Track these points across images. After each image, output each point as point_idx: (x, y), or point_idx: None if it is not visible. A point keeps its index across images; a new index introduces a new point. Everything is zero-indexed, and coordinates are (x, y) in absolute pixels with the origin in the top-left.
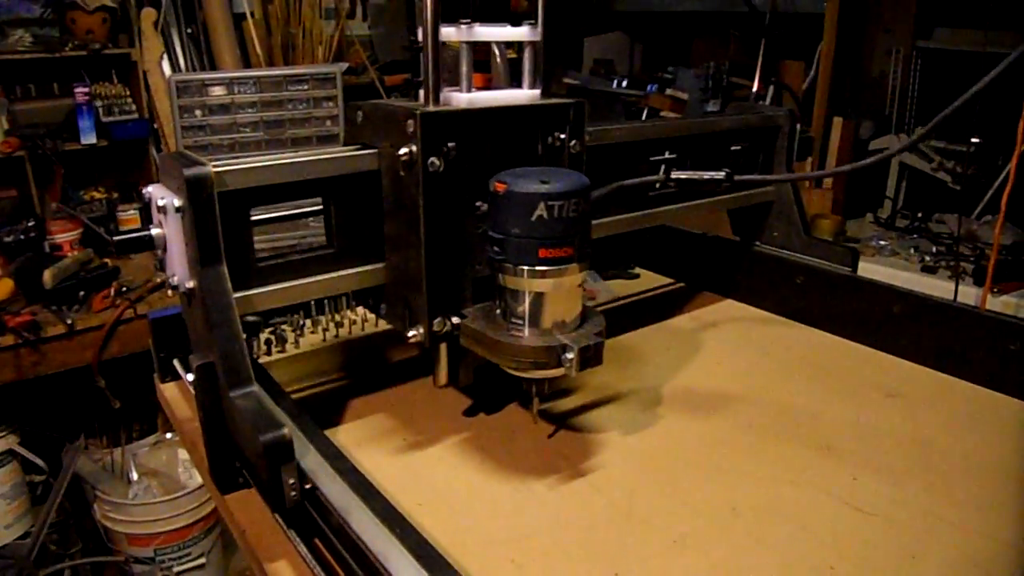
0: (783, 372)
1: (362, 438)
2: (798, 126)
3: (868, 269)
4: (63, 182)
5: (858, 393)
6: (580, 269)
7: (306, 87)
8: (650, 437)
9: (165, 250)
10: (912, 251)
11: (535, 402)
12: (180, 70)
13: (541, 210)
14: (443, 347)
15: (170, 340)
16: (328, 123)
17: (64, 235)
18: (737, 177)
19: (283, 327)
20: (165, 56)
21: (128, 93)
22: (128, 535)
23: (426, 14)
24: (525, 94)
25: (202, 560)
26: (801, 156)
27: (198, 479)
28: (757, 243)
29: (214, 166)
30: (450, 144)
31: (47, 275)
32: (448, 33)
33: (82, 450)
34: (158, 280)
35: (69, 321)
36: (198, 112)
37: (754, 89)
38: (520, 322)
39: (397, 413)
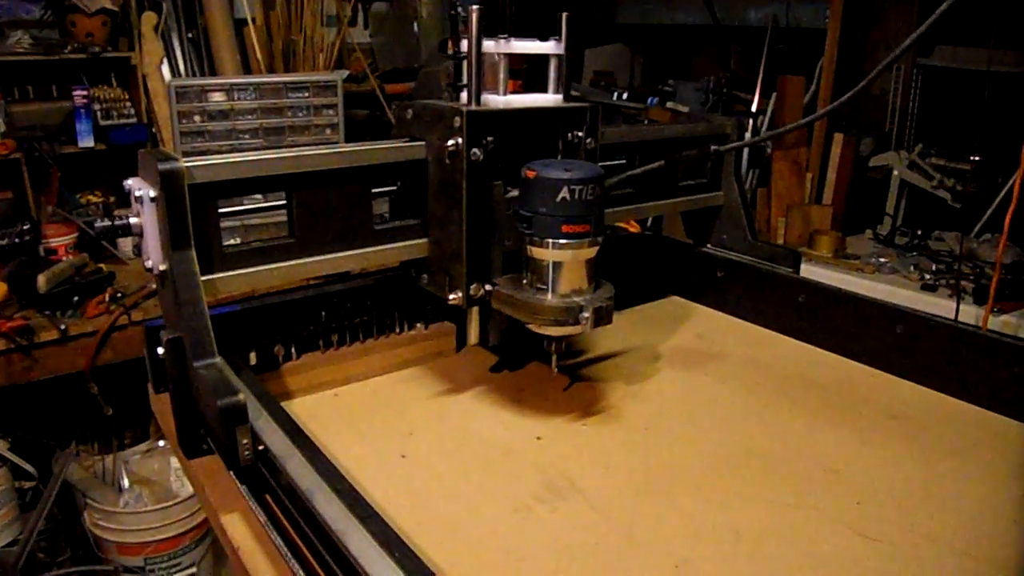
0: (784, 392)
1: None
2: (748, 134)
3: (868, 287)
4: (60, 185)
5: (860, 415)
6: (594, 243)
7: (306, 94)
8: (651, 459)
9: (142, 236)
10: (912, 269)
11: (554, 358)
12: (180, 75)
13: (565, 193)
14: (474, 311)
15: None
16: (328, 131)
17: (59, 239)
18: (716, 147)
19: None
20: (165, 60)
21: (127, 97)
22: (118, 544)
23: (471, 30)
24: (550, 98)
25: (193, 570)
26: (753, 164)
27: (190, 488)
28: (708, 245)
29: (185, 161)
30: (489, 138)
31: (41, 279)
32: (488, 46)
33: (73, 457)
34: (152, 287)
35: (62, 326)
36: (197, 118)
37: (754, 103)
38: (544, 287)
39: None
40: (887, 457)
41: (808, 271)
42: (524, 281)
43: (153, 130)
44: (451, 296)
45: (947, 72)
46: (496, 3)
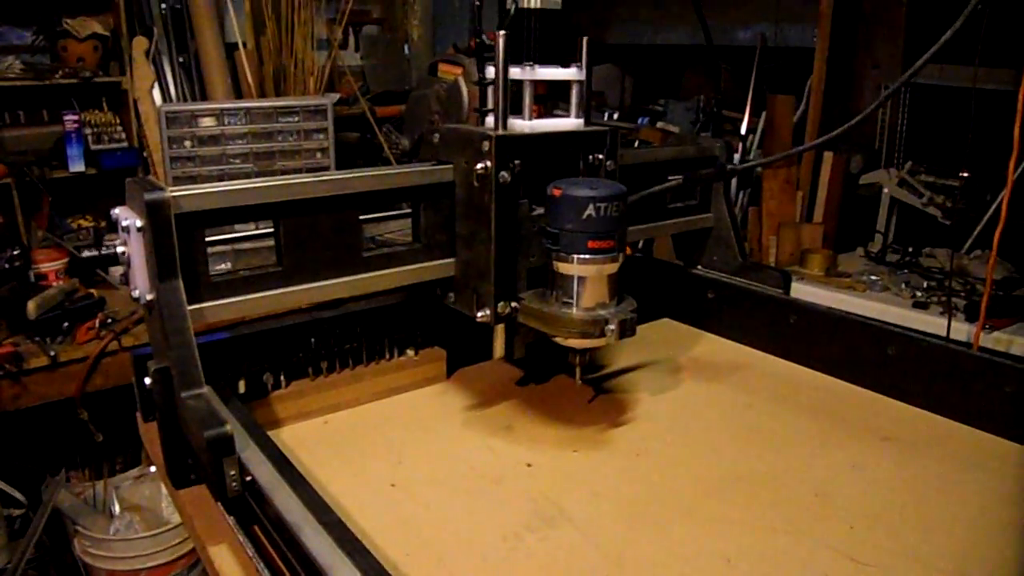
0: (776, 415)
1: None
2: (737, 155)
3: (860, 305)
4: (50, 210)
5: (852, 437)
6: (618, 259)
7: (296, 119)
8: (642, 485)
9: (130, 266)
10: (903, 286)
11: (578, 370)
12: (171, 99)
13: (591, 210)
14: (500, 327)
15: None
16: (319, 155)
17: (50, 264)
18: (732, 166)
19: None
20: (156, 85)
21: (118, 121)
22: (109, 571)
23: (498, 58)
24: (571, 122)
25: None
26: (744, 184)
27: None
28: (699, 267)
29: (172, 191)
30: (516, 161)
31: (31, 305)
32: (514, 72)
33: (63, 484)
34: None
35: (52, 353)
36: (187, 143)
37: (744, 122)
38: (570, 301)
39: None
40: (879, 480)
41: (800, 290)
42: (550, 296)
43: (144, 154)
44: (479, 314)
45: (934, 90)
46: (520, 30)
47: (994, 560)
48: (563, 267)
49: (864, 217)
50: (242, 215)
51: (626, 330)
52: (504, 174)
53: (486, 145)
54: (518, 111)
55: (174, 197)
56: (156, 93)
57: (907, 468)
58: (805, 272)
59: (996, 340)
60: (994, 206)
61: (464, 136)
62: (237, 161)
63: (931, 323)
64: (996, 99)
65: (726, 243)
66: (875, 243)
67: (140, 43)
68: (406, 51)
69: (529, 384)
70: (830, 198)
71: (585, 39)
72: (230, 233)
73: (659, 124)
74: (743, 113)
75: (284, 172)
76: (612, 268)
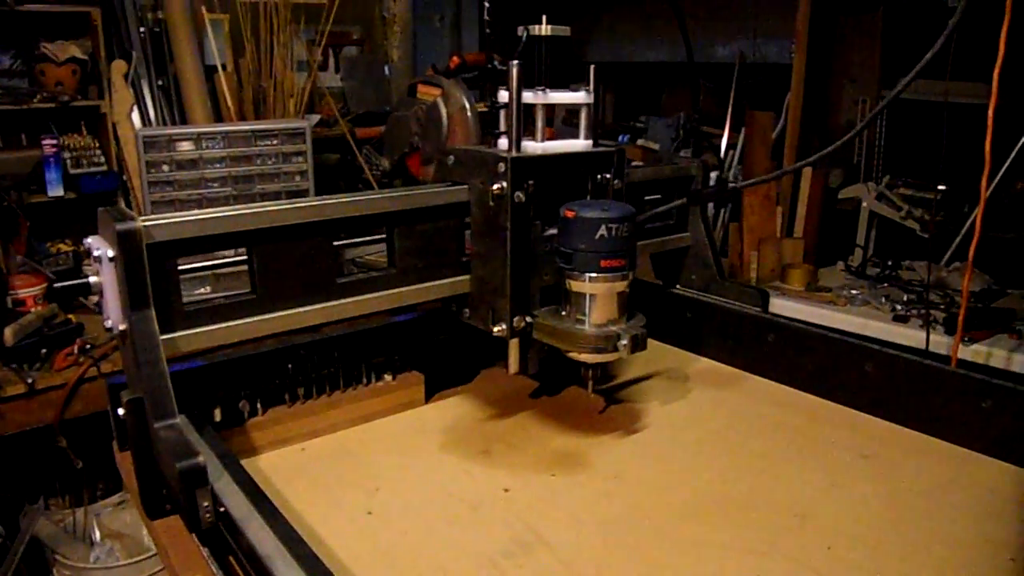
0: (754, 434)
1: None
2: (714, 175)
3: (840, 319)
4: (29, 235)
5: (831, 455)
6: (628, 276)
7: (275, 142)
8: (620, 509)
9: (103, 295)
10: (883, 300)
11: (590, 383)
12: (151, 122)
13: (603, 231)
14: (515, 342)
15: None
16: (297, 178)
17: (28, 290)
18: (733, 184)
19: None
20: (135, 108)
21: (97, 145)
22: None
23: (512, 83)
24: (581, 143)
25: None
26: (722, 203)
27: None
28: (677, 287)
29: (143, 220)
30: (530, 181)
31: (8, 332)
32: (527, 97)
33: (42, 511)
34: None
35: (30, 380)
36: (165, 167)
37: (724, 138)
38: (583, 317)
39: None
40: (857, 498)
41: (781, 305)
42: (563, 312)
43: (124, 178)
44: (495, 328)
45: (911, 104)
46: (532, 56)
47: None
48: (576, 285)
49: (844, 231)
50: (215, 243)
51: (637, 344)
52: (519, 194)
53: (502, 167)
54: (530, 133)
55: (145, 227)
56: (135, 116)
57: (886, 485)
58: (786, 287)
59: (975, 352)
60: (971, 219)
61: (479, 158)
62: (216, 185)
63: (911, 337)
64: (970, 113)
65: (704, 262)
66: (855, 257)
67: (119, 67)
68: (387, 72)
69: (541, 396)
70: (810, 213)
71: (592, 66)
72: (210, 260)
73: (640, 141)
74: (723, 129)
75: (263, 195)
76: (622, 286)
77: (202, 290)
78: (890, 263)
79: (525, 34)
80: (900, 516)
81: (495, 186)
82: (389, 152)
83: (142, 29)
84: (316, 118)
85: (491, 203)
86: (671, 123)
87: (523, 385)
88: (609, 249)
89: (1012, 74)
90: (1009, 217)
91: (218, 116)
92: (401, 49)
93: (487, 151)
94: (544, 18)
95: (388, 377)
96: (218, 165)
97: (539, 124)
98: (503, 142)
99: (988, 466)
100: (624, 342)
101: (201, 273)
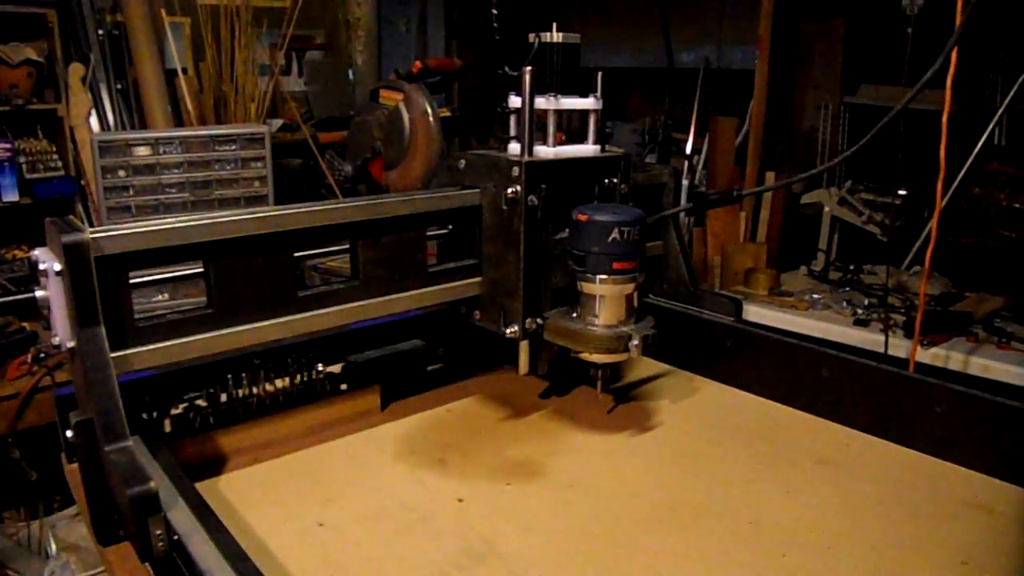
0: (711, 441)
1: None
2: (686, 182)
3: (802, 324)
4: None
5: (788, 461)
6: (637, 279)
7: (234, 147)
8: (575, 518)
9: (49, 311)
10: (845, 304)
11: (599, 383)
12: (109, 127)
13: (615, 234)
14: (525, 343)
15: None
16: (256, 184)
17: None
18: (737, 191)
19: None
20: (93, 112)
21: (54, 149)
22: None
23: (524, 90)
24: (589, 148)
25: None
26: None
27: None
28: (650, 296)
29: (92, 232)
30: (543, 185)
31: None
32: (539, 102)
33: None
34: None
35: None
36: (122, 172)
37: (689, 143)
38: (595, 319)
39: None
40: (813, 504)
41: (745, 310)
42: (574, 314)
43: (82, 183)
44: (508, 330)
45: (871, 109)
46: (543, 63)
47: None
48: (588, 287)
49: (806, 236)
50: (169, 256)
51: (649, 345)
52: (532, 198)
53: (515, 171)
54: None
55: (95, 239)
56: (94, 120)
57: (841, 491)
58: (750, 292)
59: (934, 356)
60: (930, 223)
61: (492, 162)
62: (173, 191)
63: (871, 340)
64: (928, 119)
65: (676, 271)
66: (818, 261)
67: (77, 70)
68: (350, 76)
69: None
70: (773, 218)
71: (599, 72)
72: (167, 270)
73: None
74: (687, 134)
75: (222, 201)
76: (632, 288)
77: (159, 297)
78: (852, 267)
79: (537, 41)
80: (855, 522)
81: (509, 190)
82: (352, 157)
83: (100, 31)
84: (278, 123)
85: (504, 207)
86: (636, 128)
87: (480, 394)
88: (621, 252)
89: (969, 81)
90: (968, 221)
91: (179, 120)
92: (365, 53)
93: (501, 155)
94: (555, 26)
95: (344, 386)
96: (176, 170)
97: (551, 129)
98: (513, 146)
99: (942, 470)
100: (635, 342)
101: (158, 281)
